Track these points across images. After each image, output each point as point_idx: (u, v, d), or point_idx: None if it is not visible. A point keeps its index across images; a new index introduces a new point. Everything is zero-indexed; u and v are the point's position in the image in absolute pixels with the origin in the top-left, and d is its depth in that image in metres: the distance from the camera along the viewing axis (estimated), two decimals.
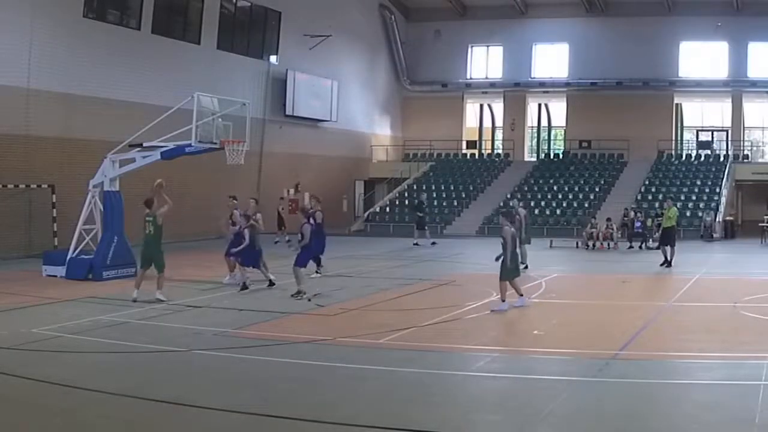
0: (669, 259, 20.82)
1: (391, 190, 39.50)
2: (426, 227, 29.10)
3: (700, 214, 32.11)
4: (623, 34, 38.57)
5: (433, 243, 28.26)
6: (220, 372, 9.91)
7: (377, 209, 36.99)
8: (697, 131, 40.64)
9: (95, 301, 15.09)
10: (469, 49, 42.70)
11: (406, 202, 36.27)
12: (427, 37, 42.40)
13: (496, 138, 43.60)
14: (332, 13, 36.55)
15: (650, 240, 27.84)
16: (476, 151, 42.86)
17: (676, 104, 40.12)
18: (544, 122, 42.94)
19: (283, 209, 30.51)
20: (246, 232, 16.59)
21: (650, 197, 34.43)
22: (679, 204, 33.24)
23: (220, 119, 18.80)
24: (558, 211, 34.69)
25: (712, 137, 39.93)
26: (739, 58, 37.95)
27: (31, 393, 8.85)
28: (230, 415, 7.97)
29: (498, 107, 43.13)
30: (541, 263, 21.22)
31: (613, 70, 38.79)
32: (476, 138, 43.42)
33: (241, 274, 16.73)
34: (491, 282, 15.00)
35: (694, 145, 39.97)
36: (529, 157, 42.47)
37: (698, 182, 35.49)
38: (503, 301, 14.05)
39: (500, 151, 42.37)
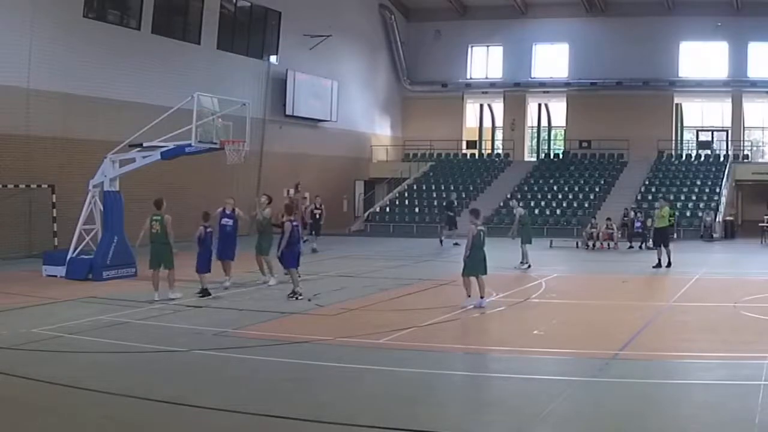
0: (668, 259, 20.77)
1: (391, 190, 39.50)
2: (456, 227, 28.92)
3: (700, 214, 32.12)
4: (623, 34, 38.57)
5: (456, 244, 28.19)
6: (220, 372, 9.91)
7: (377, 209, 36.99)
8: (697, 131, 40.64)
9: (95, 301, 15.08)
10: (469, 49, 42.69)
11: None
12: (427, 37, 42.39)
13: (496, 138, 43.60)
14: (332, 13, 36.55)
15: (650, 240, 27.85)
16: (476, 151, 42.86)
17: (676, 104, 40.12)
18: (544, 122, 42.95)
19: (306, 209, 29.89)
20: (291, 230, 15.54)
21: (650, 197, 34.41)
22: (678, 204, 33.32)
23: (220, 119, 18.78)
24: (558, 211, 34.69)
25: (712, 137, 39.93)
26: (739, 58, 37.94)
27: (31, 393, 8.84)
28: (230, 415, 7.97)
29: (498, 107, 43.13)
30: (541, 263, 21.22)
31: (613, 70, 38.78)
32: (476, 138, 43.43)
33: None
34: (491, 282, 15.01)
35: (694, 145, 39.98)
36: (529, 157, 42.47)
37: (698, 182, 35.50)
38: (468, 296, 14.21)
39: (500, 151, 42.36)
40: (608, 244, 27.56)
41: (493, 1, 40.48)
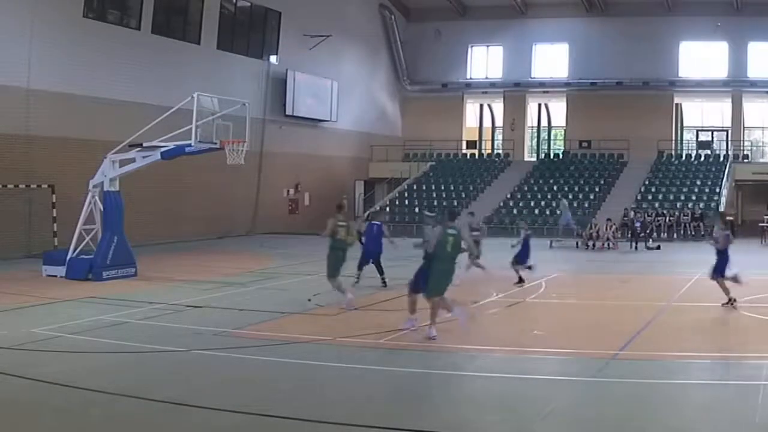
0: None
1: (391, 190, 39.49)
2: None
3: (699, 213, 32.11)
4: (623, 34, 38.56)
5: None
6: (220, 372, 9.91)
7: (377, 209, 36.93)
8: (697, 131, 40.66)
9: (95, 301, 15.08)
10: (469, 49, 42.69)
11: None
12: (427, 37, 42.37)
13: (496, 138, 43.60)
14: (332, 13, 36.55)
15: (650, 240, 27.88)
16: (476, 151, 42.84)
17: (676, 104, 40.12)
18: (544, 122, 42.94)
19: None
20: None
21: (650, 197, 34.44)
22: (678, 204, 33.34)
23: (220, 119, 18.77)
24: (558, 211, 34.62)
25: (712, 137, 39.95)
26: (739, 58, 37.95)
27: (31, 393, 8.84)
28: (230, 415, 7.97)
29: (498, 107, 43.12)
30: (541, 263, 21.19)
31: (613, 70, 38.79)
32: (476, 138, 43.41)
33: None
34: (492, 282, 15.01)
35: (694, 145, 39.98)
36: (529, 157, 42.46)
37: (698, 182, 35.49)
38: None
39: (500, 151, 42.36)
40: (608, 244, 27.56)
41: (493, 1, 40.47)
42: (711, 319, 13.43)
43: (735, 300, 14.15)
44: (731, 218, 32.96)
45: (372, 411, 8.19)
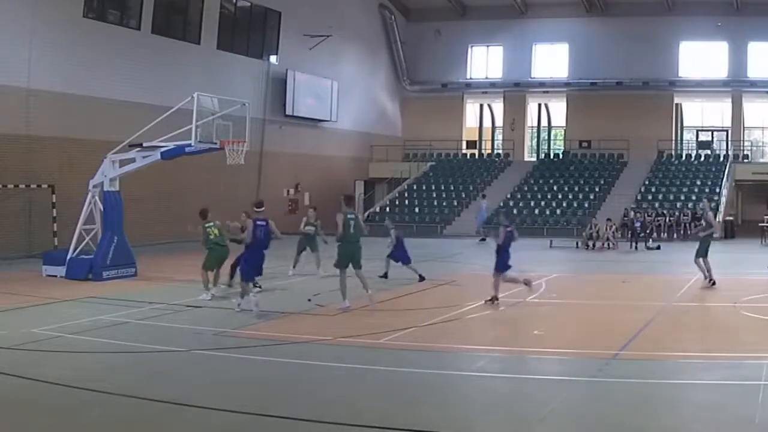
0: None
1: (391, 190, 39.50)
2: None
3: (699, 213, 32.09)
4: (623, 34, 38.56)
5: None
6: (220, 372, 9.91)
7: (377, 209, 36.97)
8: (697, 131, 40.65)
9: (95, 301, 15.08)
10: (469, 49, 42.68)
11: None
12: (427, 37, 42.37)
13: (496, 138, 43.60)
14: (332, 13, 36.55)
15: (650, 240, 27.89)
16: (476, 151, 42.85)
17: (676, 104, 40.12)
18: (544, 122, 42.95)
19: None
20: None
21: (650, 197, 34.45)
22: (678, 204, 33.35)
23: (220, 119, 18.77)
24: (558, 211, 34.68)
25: (712, 137, 39.94)
26: (739, 58, 37.94)
27: (31, 393, 8.84)
28: (230, 415, 7.97)
29: (498, 107, 43.13)
30: (541, 263, 21.22)
31: (613, 70, 38.78)
32: (476, 138, 43.42)
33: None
34: (491, 282, 14.99)
35: (694, 145, 39.97)
36: (529, 157, 42.46)
37: (698, 182, 35.49)
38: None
39: (500, 151, 42.36)
40: (608, 244, 27.57)
41: (493, 1, 40.48)
42: (711, 319, 13.43)
43: (497, 300, 14.56)
44: (731, 218, 33.09)
45: (371, 411, 8.18)
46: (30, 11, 23.41)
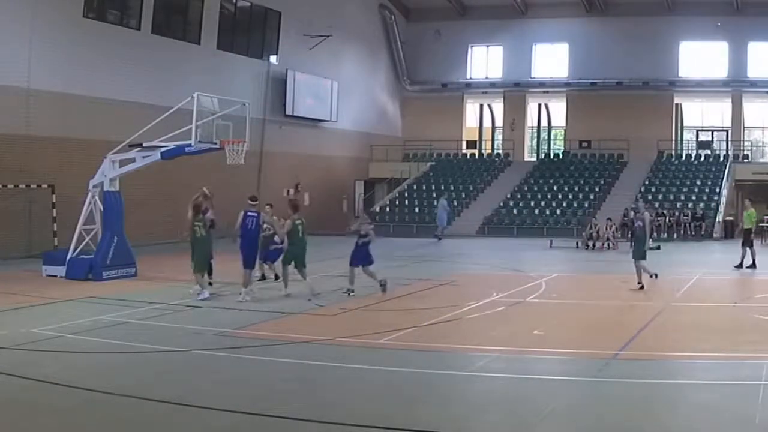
0: (752, 259, 20.44)
1: (391, 190, 39.49)
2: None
3: (699, 213, 32.10)
4: (623, 34, 38.55)
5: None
6: (220, 372, 9.91)
7: (377, 209, 36.97)
8: (697, 131, 40.63)
9: (95, 301, 15.08)
10: (469, 49, 42.68)
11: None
12: (427, 37, 42.36)
13: (496, 138, 43.59)
14: (332, 13, 36.54)
15: (650, 240, 27.79)
16: (476, 151, 42.84)
17: (676, 104, 40.11)
18: (544, 122, 42.94)
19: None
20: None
21: (650, 197, 34.43)
22: (678, 204, 33.35)
23: (220, 119, 18.77)
24: (558, 211, 34.68)
25: (712, 137, 39.93)
26: (739, 58, 37.93)
27: (31, 393, 8.84)
28: (230, 415, 7.97)
29: (498, 107, 43.12)
30: (541, 263, 21.22)
31: (613, 70, 38.77)
32: (476, 138, 43.41)
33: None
34: (492, 282, 15.01)
35: (694, 145, 39.96)
36: (529, 157, 42.45)
37: (698, 182, 35.50)
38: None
39: (500, 151, 42.35)
40: (608, 245, 27.55)
41: (493, 1, 40.47)
42: (711, 319, 13.42)
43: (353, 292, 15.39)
44: (731, 218, 33.06)
45: (372, 411, 8.18)
46: (30, 11, 23.40)
